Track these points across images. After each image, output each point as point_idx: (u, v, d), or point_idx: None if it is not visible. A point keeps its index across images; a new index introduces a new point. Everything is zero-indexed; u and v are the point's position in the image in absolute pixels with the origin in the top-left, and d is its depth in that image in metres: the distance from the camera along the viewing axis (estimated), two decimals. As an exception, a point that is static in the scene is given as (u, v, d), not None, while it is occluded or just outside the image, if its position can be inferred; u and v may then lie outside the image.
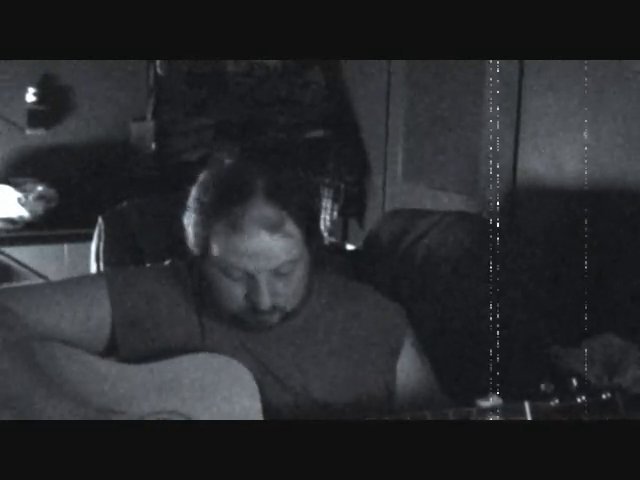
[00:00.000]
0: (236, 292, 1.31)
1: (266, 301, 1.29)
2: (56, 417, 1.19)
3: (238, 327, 1.37)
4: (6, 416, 1.20)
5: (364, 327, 1.45)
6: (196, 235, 1.32)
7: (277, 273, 1.29)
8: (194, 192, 1.34)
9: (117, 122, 3.52)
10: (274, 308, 1.31)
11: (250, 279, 1.29)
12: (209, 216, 1.29)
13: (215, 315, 1.38)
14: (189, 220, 1.33)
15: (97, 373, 1.30)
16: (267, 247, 1.27)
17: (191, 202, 1.34)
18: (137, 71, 3.48)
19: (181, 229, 1.36)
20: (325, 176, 3.29)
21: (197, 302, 1.40)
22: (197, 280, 1.39)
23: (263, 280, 1.28)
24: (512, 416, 1.22)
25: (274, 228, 1.26)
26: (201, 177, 1.35)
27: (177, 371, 1.31)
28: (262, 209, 1.27)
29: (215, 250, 1.29)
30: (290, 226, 1.28)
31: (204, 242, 1.30)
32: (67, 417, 1.19)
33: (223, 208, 1.28)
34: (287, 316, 1.36)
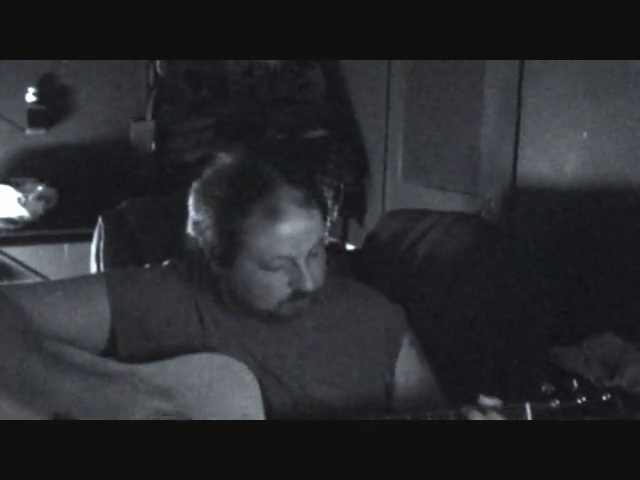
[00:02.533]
0: (278, 283, 1.31)
1: (310, 283, 1.30)
2: (68, 391, 1.19)
3: (269, 322, 1.37)
4: (16, 400, 1.20)
5: (363, 327, 1.45)
6: (223, 235, 1.29)
7: (311, 254, 1.30)
8: (202, 194, 1.32)
9: (117, 122, 3.52)
10: (313, 291, 1.32)
11: (291, 265, 1.29)
12: (239, 211, 1.27)
13: (216, 315, 1.38)
14: (209, 222, 1.30)
15: (97, 373, 1.30)
16: (306, 227, 1.28)
17: (203, 205, 1.31)
18: (137, 71, 3.48)
19: (187, 238, 1.34)
20: (325, 176, 3.29)
21: (197, 302, 1.39)
22: (215, 284, 1.38)
23: (303, 263, 1.29)
24: (513, 417, 1.22)
25: (308, 206, 1.28)
26: (206, 178, 1.33)
27: (177, 371, 1.31)
28: (292, 190, 1.28)
29: (254, 244, 1.28)
30: (315, 202, 1.30)
31: (236, 240, 1.29)
32: (79, 390, 1.20)
33: (254, 200, 1.27)
34: (315, 299, 1.36)
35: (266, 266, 1.29)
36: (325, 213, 1.35)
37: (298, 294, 1.31)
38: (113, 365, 1.32)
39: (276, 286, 1.31)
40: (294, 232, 1.27)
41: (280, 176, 1.29)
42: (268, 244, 1.27)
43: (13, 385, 1.22)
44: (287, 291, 1.31)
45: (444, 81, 2.79)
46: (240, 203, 1.27)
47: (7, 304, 1.29)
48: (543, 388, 1.22)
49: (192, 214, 1.33)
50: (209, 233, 1.31)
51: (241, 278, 1.32)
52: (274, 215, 1.26)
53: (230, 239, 1.29)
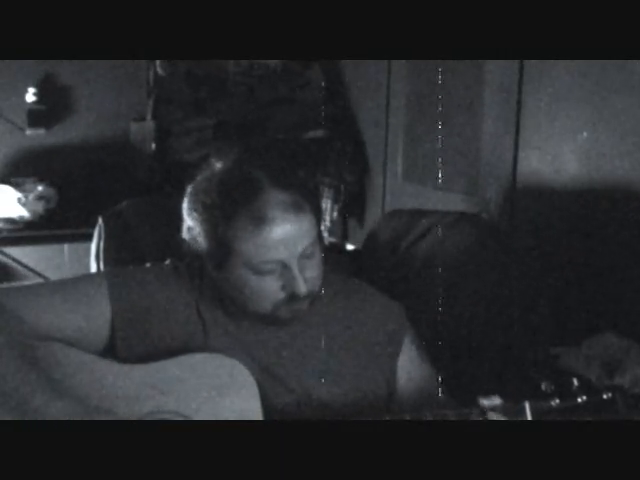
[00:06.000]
0: (271, 287, 1.31)
1: (303, 287, 1.29)
2: (55, 417, 1.19)
3: (267, 324, 1.36)
4: (5, 416, 1.20)
5: (364, 326, 1.45)
6: (213, 241, 1.30)
7: (304, 257, 1.30)
8: (192, 201, 1.33)
9: (117, 122, 3.52)
10: (308, 294, 1.31)
11: (283, 269, 1.29)
12: (226, 218, 1.28)
13: (216, 315, 1.38)
14: (199, 229, 1.31)
15: (97, 373, 1.30)
16: (294, 230, 1.28)
17: (193, 211, 1.32)
18: (137, 71, 3.49)
19: (182, 242, 1.35)
20: (325, 176, 3.29)
21: (198, 302, 1.39)
22: (212, 287, 1.38)
23: (296, 266, 1.29)
24: (512, 416, 1.22)
25: (295, 209, 1.28)
26: (196, 185, 1.34)
27: (177, 371, 1.31)
28: (279, 195, 1.28)
29: (242, 250, 1.28)
30: (306, 206, 1.30)
31: (225, 246, 1.29)
32: (66, 416, 1.19)
33: (240, 205, 1.27)
34: (314, 302, 1.36)
35: (257, 270, 1.29)
36: (318, 215, 1.35)
37: (292, 297, 1.31)
38: (112, 365, 1.32)
39: (270, 290, 1.31)
40: (281, 236, 1.27)
41: (267, 180, 1.28)
42: (256, 249, 1.27)
43: (3, 399, 1.21)
44: (281, 295, 1.31)
45: (444, 81, 2.79)
46: (227, 209, 1.28)
47: (6, 313, 1.29)
48: (543, 387, 1.22)
49: (185, 219, 1.34)
50: (201, 239, 1.32)
51: (235, 283, 1.32)
52: (259, 220, 1.26)
53: (220, 245, 1.30)
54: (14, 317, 1.30)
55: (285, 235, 1.27)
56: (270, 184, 1.28)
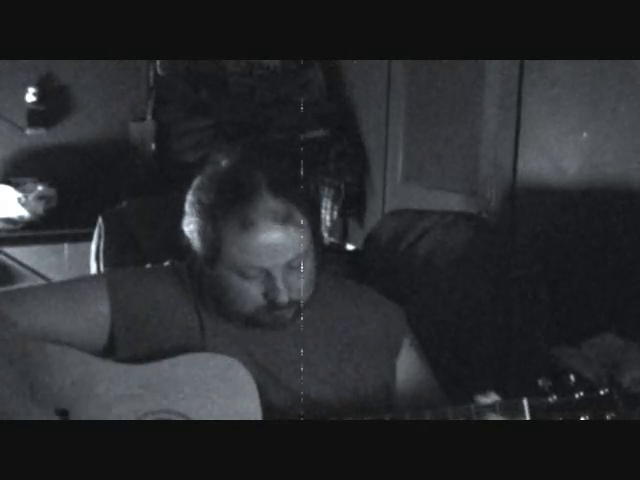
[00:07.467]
0: (253, 292, 1.31)
1: (284, 296, 1.30)
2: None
3: (251, 328, 1.37)
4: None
5: (363, 327, 1.45)
6: (205, 239, 1.31)
7: (289, 267, 1.30)
8: (193, 196, 1.34)
9: (117, 122, 3.52)
10: (290, 303, 1.32)
11: (266, 276, 1.30)
12: (217, 218, 1.29)
13: (215, 315, 1.38)
14: (194, 225, 1.33)
15: (96, 373, 1.30)
16: (280, 240, 1.27)
17: (192, 207, 1.33)
18: (137, 71, 3.49)
19: (182, 235, 1.36)
20: (325, 176, 3.29)
21: (197, 302, 1.39)
22: (205, 284, 1.38)
23: (279, 275, 1.29)
24: (510, 413, 1.22)
25: (285, 220, 1.28)
26: (199, 180, 1.35)
27: (176, 371, 1.31)
28: (271, 203, 1.28)
29: (229, 252, 1.29)
30: (298, 217, 1.30)
31: (214, 245, 1.30)
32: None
33: (231, 208, 1.28)
34: (299, 310, 1.36)
35: (241, 274, 1.30)
36: (316, 224, 1.35)
37: (273, 305, 1.31)
38: (112, 365, 1.32)
39: (252, 294, 1.32)
40: (266, 244, 1.27)
41: (265, 185, 1.28)
42: (241, 253, 1.28)
43: None
44: (262, 301, 1.32)
45: (444, 81, 2.79)
46: (220, 208, 1.29)
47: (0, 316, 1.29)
48: (540, 383, 1.22)
49: (187, 212, 1.35)
50: (196, 234, 1.33)
51: (220, 282, 1.33)
52: (247, 226, 1.27)
53: (210, 243, 1.30)
54: (6, 320, 1.29)
55: (271, 244, 1.27)
56: (266, 190, 1.28)
